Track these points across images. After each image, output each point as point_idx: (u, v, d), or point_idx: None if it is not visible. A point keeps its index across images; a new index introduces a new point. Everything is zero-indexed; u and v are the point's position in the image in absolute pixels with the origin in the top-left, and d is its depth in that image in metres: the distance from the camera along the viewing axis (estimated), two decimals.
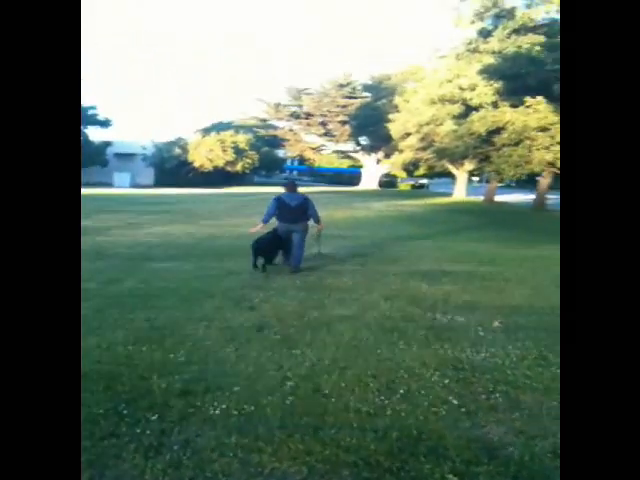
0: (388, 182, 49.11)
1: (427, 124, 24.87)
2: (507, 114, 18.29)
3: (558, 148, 16.78)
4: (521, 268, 8.61)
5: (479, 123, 19.10)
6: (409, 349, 4.09)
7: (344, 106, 44.25)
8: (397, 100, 30.33)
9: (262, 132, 46.39)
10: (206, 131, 41.06)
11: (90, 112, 37.16)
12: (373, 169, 46.72)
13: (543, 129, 17.24)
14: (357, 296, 5.89)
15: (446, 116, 23.12)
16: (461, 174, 34.72)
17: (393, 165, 39.26)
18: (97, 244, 9.38)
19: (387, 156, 42.71)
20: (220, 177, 38.91)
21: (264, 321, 4.74)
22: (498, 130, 18.59)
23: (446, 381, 3.46)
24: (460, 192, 34.88)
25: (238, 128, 42.66)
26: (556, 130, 16.86)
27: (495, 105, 20.01)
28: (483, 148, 20.57)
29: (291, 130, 48.24)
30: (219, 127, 43.48)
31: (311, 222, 7.69)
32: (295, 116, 47.01)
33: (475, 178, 49.81)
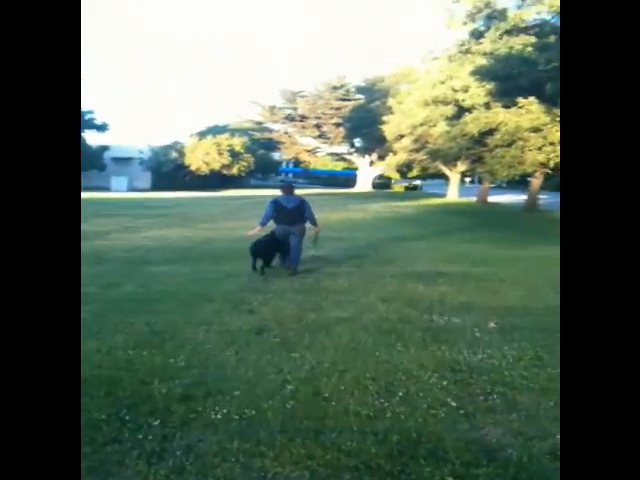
0: (382, 184, 49.28)
1: (421, 125, 24.99)
2: (500, 115, 18.39)
3: (550, 149, 16.91)
4: (515, 269, 8.68)
5: (472, 124, 19.20)
6: (407, 351, 4.12)
7: (338, 108, 44.39)
8: (391, 102, 30.45)
9: (257, 135, 46.48)
10: (202, 134, 41.13)
11: (87, 116, 37.14)
12: (368, 171, 46.85)
13: (535, 130, 17.34)
14: (354, 298, 5.93)
15: (439, 117, 23.23)
16: (454, 175, 34.92)
17: (387, 167, 39.44)
18: (95, 248, 9.37)
19: (381, 158, 42.90)
20: (216, 180, 39.00)
21: (263, 324, 4.76)
22: (491, 131, 18.68)
23: (444, 383, 3.50)
24: (453, 193, 35.06)
25: (234, 131, 42.77)
26: (548, 131, 16.97)
27: (488, 106, 20.11)
28: (476, 149, 20.67)
29: (286, 133, 48.37)
30: (215, 130, 43.57)
31: (308, 224, 7.74)
32: (290, 119, 47.12)
33: (467, 179, 50.07)
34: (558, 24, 19.45)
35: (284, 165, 59.69)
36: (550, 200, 26.75)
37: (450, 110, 22.63)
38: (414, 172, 45.24)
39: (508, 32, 20.93)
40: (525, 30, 20.76)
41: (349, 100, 45.18)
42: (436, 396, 3.29)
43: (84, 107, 35.92)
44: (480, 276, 7.72)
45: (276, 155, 51.50)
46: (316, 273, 7.55)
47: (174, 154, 38.64)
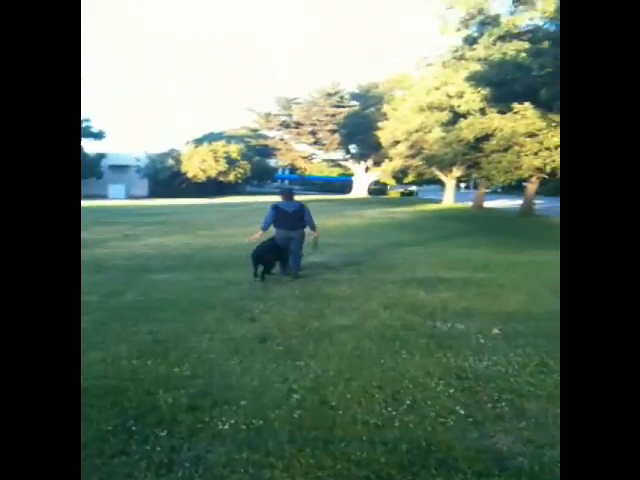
0: (378, 190, 49.40)
1: (416, 132, 25.08)
2: (495, 120, 18.49)
3: (546, 154, 17.00)
4: (514, 274, 8.69)
5: (467, 130, 19.29)
6: (412, 358, 4.11)
7: (333, 115, 44.57)
8: (385, 108, 30.57)
9: (253, 142, 46.62)
10: (198, 142, 41.23)
11: (84, 124, 37.20)
12: (364, 177, 46.98)
13: (531, 135, 17.44)
14: (356, 305, 5.92)
15: (434, 123, 23.33)
16: (450, 181, 35.05)
17: (383, 173, 39.61)
18: (95, 256, 9.33)
19: (376, 164, 43.07)
20: (213, 187, 39.09)
21: (266, 332, 4.74)
22: (487, 137, 18.77)
23: (451, 390, 3.48)
24: (449, 199, 35.18)
25: (229, 138, 42.91)
26: (544, 136, 17.07)
27: (483, 112, 20.22)
28: (472, 155, 20.78)
29: (282, 139, 48.49)
30: (211, 137, 43.70)
31: (307, 230, 7.83)
32: (285, 125, 47.26)
33: (463, 184, 50.29)
34: (551, 30, 19.63)
35: (280, 172, 59.78)
36: (545, 205, 26.90)
37: (445, 116, 22.73)
38: (410, 178, 45.37)
39: (501, 38, 21.09)
40: (518, 36, 20.92)
41: (344, 107, 45.37)
42: (444, 404, 3.27)
43: (82, 114, 35.94)
44: (480, 281, 7.73)
45: (272, 162, 51.66)
46: (316, 280, 7.54)
47: (171, 161, 38.79)
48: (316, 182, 57.75)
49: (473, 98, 20.44)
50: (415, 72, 30.37)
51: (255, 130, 49.09)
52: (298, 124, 46.37)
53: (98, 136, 39.04)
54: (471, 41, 22.86)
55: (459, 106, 21.18)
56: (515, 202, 32.25)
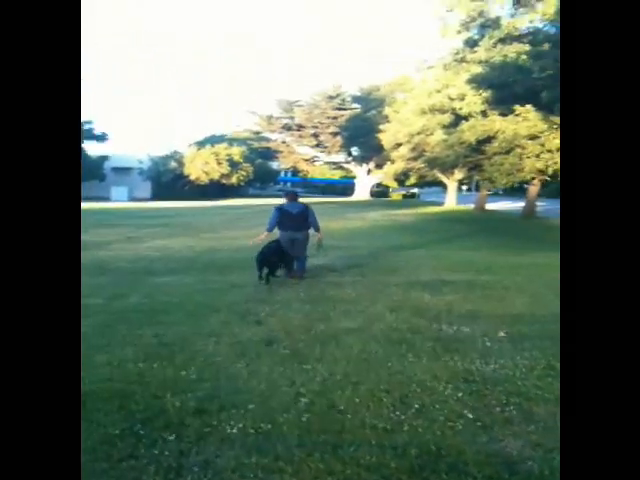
0: (380, 192, 49.40)
1: (418, 134, 25.06)
2: (497, 123, 18.48)
3: (548, 156, 16.98)
4: (518, 276, 8.67)
5: (469, 132, 19.28)
6: (419, 362, 4.10)
7: (335, 117, 44.58)
8: (387, 111, 30.56)
9: (255, 144, 46.67)
10: (200, 144, 41.29)
11: (87, 127, 37.32)
12: (366, 179, 46.99)
13: (533, 137, 17.43)
14: (361, 308, 5.91)
15: (436, 126, 23.31)
16: (451, 183, 35.04)
17: (385, 175, 39.54)
18: (99, 259, 9.33)
19: (378, 166, 43.05)
20: (215, 190, 39.12)
21: (272, 335, 4.73)
22: (489, 139, 18.77)
23: (459, 394, 3.47)
24: (451, 201, 35.17)
25: (232, 141, 42.96)
26: (546, 138, 17.06)
27: (484, 114, 20.22)
28: (473, 157, 20.75)
29: (284, 142, 48.53)
30: (213, 140, 43.74)
31: (311, 231, 7.87)
32: (287, 128, 47.27)
33: (464, 187, 50.26)
34: (551, 32, 19.64)
35: (282, 174, 59.84)
36: (547, 207, 26.86)
37: (447, 118, 22.71)
38: (411, 180, 45.37)
39: (502, 40, 21.08)
40: (519, 38, 20.91)
41: (345, 109, 45.38)
42: (452, 408, 3.26)
43: (83, 116, 36.06)
44: (484, 284, 7.72)
45: (274, 164, 51.68)
46: (320, 282, 7.53)
47: (173, 164, 38.85)
48: (318, 184, 57.79)
49: (474, 100, 20.44)
50: (416, 75, 30.41)
51: (257, 133, 49.14)
52: (300, 127, 46.40)
53: (101, 138, 39.12)
54: (472, 44, 22.86)
55: (461, 108, 21.17)
56: (516, 204, 32.22)
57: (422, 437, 2.88)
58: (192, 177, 38.33)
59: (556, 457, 2.71)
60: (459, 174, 30.78)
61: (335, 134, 45.01)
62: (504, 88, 18.97)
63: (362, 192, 46.73)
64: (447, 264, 10.01)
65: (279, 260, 7.55)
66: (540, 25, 21.12)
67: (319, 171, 58.48)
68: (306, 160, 49.86)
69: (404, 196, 50.20)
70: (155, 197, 38.27)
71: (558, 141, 16.03)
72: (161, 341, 4.54)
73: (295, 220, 7.65)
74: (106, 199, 35.33)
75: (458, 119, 21.77)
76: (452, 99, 22.36)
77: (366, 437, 2.88)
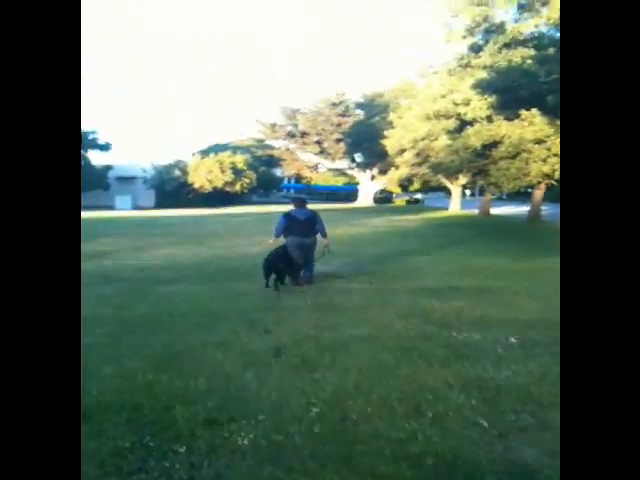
0: (383, 198, 49.38)
1: (422, 139, 25.08)
2: (502, 127, 18.46)
3: (555, 160, 16.92)
4: (527, 281, 8.61)
5: (475, 137, 19.27)
6: (430, 369, 4.04)
7: (338, 124, 44.69)
8: (391, 116, 30.62)
9: (259, 152, 46.86)
10: (204, 153, 41.48)
11: (91, 136, 37.58)
12: (369, 186, 47.02)
13: (539, 141, 17.39)
14: (370, 315, 5.86)
15: (441, 131, 23.32)
16: (456, 188, 34.99)
17: (390, 181, 39.59)
18: (104, 268, 9.33)
19: (382, 172, 43.08)
20: (219, 197, 39.24)
21: (281, 344, 4.68)
22: (494, 144, 18.73)
23: (473, 402, 3.41)
24: (455, 206, 35.11)
25: (235, 149, 43.13)
26: (552, 142, 17.01)
27: (490, 119, 20.20)
28: (478, 162, 20.70)
29: (287, 149, 48.69)
30: (217, 148, 43.91)
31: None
32: (291, 135, 47.42)
33: (467, 191, 50.22)
34: (556, 36, 19.64)
35: (286, 181, 59.97)
36: (550, 211, 26.73)
37: (452, 124, 22.71)
38: (415, 185, 45.37)
39: (507, 45, 21.09)
40: (523, 43, 20.93)
41: (349, 116, 45.51)
42: (467, 416, 3.20)
43: (86, 122, 36.30)
44: (494, 289, 7.65)
45: (278, 171, 51.80)
46: (328, 289, 7.49)
47: (177, 172, 39.02)
48: (322, 191, 57.85)
49: (480, 105, 20.42)
50: (420, 80, 30.46)
51: (261, 140, 49.32)
52: (304, 134, 46.53)
53: (105, 148, 39.36)
54: (477, 49, 22.88)
55: (466, 114, 21.17)
56: (520, 208, 32.10)
57: (437, 447, 2.82)
58: (196, 185, 38.47)
59: None
60: (463, 179, 30.73)
61: (339, 141, 45.12)
62: (510, 93, 18.93)
63: (366, 198, 46.72)
64: (455, 270, 9.95)
65: (286, 266, 7.51)
66: (545, 29, 21.13)
67: (322, 178, 58.61)
68: (310, 167, 50.00)
69: (408, 202, 50.14)
70: (159, 205, 38.42)
71: None
72: (169, 351, 4.50)
73: (303, 226, 7.65)
74: (110, 208, 35.49)
75: (463, 124, 21.75)
76: (457, 104, 22.36)
77: (380, 447, 2.82)
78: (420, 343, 4.72)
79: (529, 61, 18.94)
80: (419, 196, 52.98)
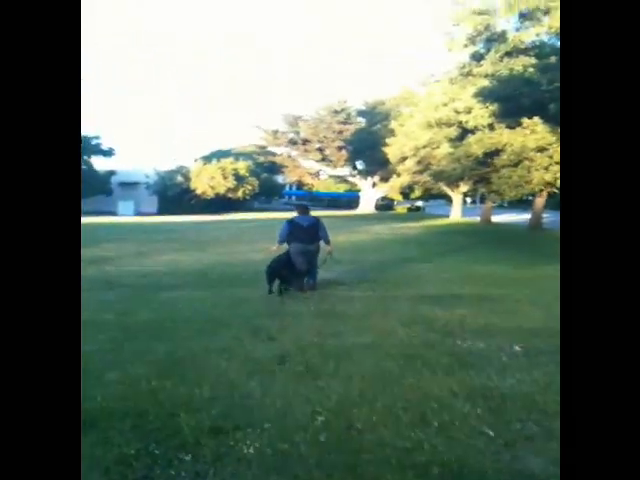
0: (385, 205, 49.48)
1: (424, 147, 25.17)
2: (504, 136, 18.52)
3: (557, 168, 16.95)
4: (528, 289, 8.60)
5: (476, 145, 19.33)
6: (435, 377, 4.02)
7: (340, 132, 44.90)
8: (393, 124, 30.73)
9: (261, 159, 47.05)
10: (207, 159, 41.65)
11: (94, 142, 37.74)
12: (371, 193, 47.12)
13: (541, 149, 17.44)
14: (373, 323, 5.84)
15: (443, 139, 23.40)
16: (457, 196, 35.05)
17: (391, 188, 39.70)
18: (107, 273, 9.33)
19: (383, 179, 43.20)
20: (221, 204, 39.38)
21: (285, 351, 4.67)
22: (496, 152, 18.78)
23: (478, 411, 3.39)
24: (457, 213, 35.16)
25: (238, 155, 43.31)
26: (554, 150, 17.05)
27: (491, 127, 20.26)
28: (480, 170, 20.76)
29: (289, 156, 48.91)
30: (219, 155, 44.10)
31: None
32: (293, 142, 47.64)
33: (468, 199, 50.28)
34: (557, 45, 19.72)
35: (287, 188, 60.09)
36: (552, 218, 26.74)
37: (453, 132, 22.80)
38: (416, 193, 45.42)
39: (508, 54, 21.22)
40: (525, 51, 21.05)
41: (350, 123, 45.71)
42: (472, 425, 3.19)
43: (90, 131, 36.42)
44: (496, 297, 7.64)
45: (279, 178, 51.96)
46: (330, 297, 7.48)
47: (180, 178, 39.20)
48: (323, 198, 57.96)
49: (481, 114, 20.50)
50: (422, 88, 30.59)
51: (263, 147, 49.53)
52: (305, 141, 46.73)
53: (108, 153, 39.53)
54: (478, 57, 23.01)
55: (467, 122, 21.25)
56: (522, 216, 32.10)
57: (443, 456, 2.81)
58: (198, 191, 38.62)
59: None
60: (464, 187, 30.80)
61: (340, 148, 45.30)
62: (511, 101, 19.02)
63: (367, 205, 46.79)
64: (456, 277, 9.95)
65: (289, 273, 7.52)
66: (546, 38, 21.25)
67: (324, 185, 58.72)
68: (311, 174, 50.15)
69: (409, 209, 50.23)
70: (161, 211, 38.53)
71: None
72: (173, 357, 4.49)
73: (306, 233, 7.67)
74: (113, 213, 35.58)
75: (465, 132, 21.83)
76: (459, 112, 22.45)
77: (386, 456, 2.81)
78: (424, 351, 4.71)
79: (531, 69, 19.04)
80: (420, 204, 53.08)
